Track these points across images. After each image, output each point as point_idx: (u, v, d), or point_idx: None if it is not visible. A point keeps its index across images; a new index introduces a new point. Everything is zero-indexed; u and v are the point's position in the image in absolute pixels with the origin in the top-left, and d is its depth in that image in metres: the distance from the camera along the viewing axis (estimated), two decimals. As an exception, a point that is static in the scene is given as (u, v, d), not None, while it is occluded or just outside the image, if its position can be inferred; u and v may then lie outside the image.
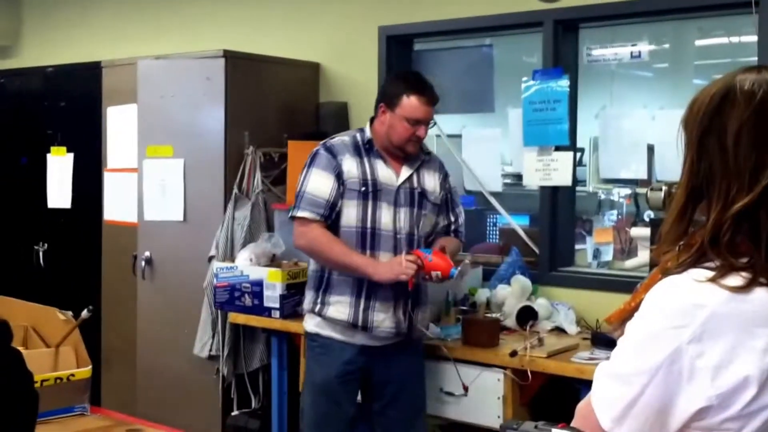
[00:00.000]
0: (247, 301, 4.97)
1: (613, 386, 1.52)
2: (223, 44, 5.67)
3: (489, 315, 4.67)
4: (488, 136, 5.63)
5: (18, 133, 7.21)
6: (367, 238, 4.05)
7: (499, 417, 4.14)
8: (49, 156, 6.81)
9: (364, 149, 4.11)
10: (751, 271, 1.48)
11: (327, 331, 4.11)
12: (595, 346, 4.21)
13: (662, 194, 4.20)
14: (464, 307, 4.79)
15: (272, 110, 5.63)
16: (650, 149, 4.91)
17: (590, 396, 1.57)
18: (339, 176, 4.03)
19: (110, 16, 7.27)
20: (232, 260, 5.14)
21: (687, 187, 1.59)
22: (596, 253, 6.27)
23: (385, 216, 4.06)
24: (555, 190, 5.01)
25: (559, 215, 5.06)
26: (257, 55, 5.68)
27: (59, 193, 6.77)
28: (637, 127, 4.99)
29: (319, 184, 4.04)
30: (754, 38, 4.40)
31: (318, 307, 4.12)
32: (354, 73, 5.78)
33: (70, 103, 6.76)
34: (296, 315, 4.74)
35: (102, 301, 6.34)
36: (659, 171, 4.89)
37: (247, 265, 5.01)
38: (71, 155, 6.70)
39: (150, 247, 5.68)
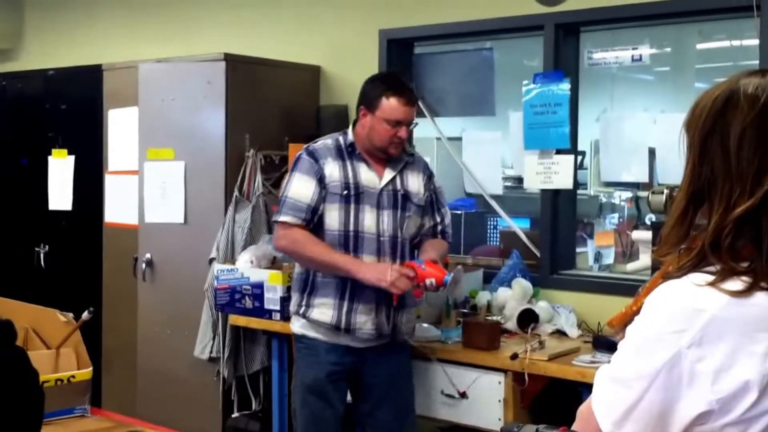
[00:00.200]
0: (248, 303, 4.97)
1: (613, 390, 1.52)
2: (224, 47, 5.67)
3: (490, 318, 4.67)
4: (489, 139, 5.63)
5: (19, 135, 7.22)
6: (350, 241, 4.05)
7: (499, 420, 4.14)
8: (50, 158, 6.82)
9: (347, 152, 4.12)
10: (751, 275, 1.47)
11: (313, 333, 4.13)
12: (596, 349, 4.21)
13: (664, 197, 4.22)
14: (465, 310, 4.79)
15: (273, 113, 5.64)
16: (651, 152, 4.91)
17: (591, 399, 1.57)
18: (321, 180, 4.04)
19: (111, 20, 7.27)
20: (233, 262, 5.14)
21: (688, 191, 1.59)
22: (597, 256, 6.28)
23: (368, 219, 4.06)
24: (556, 193, 5.01)
25: (560, 218, 5.06)
26: (258, 59, 5.68)
27: (60, 195, 6.77)
28: (639, 131, 4.99)
29: (301, 188, 4.05)
30: (756, 41, 4.40)
31: (302, 309, 4.14)
32: (354, 76, 5.76)
33: (72, 106, 6.76)
34: (297, 317, 4.74)
35: (103, 302, 6.34)
36: (660, 174, 4.89)
37: (247, 267, 5.01)
38: (72, 157, 6.70)
39: (151, 249, 5.68)
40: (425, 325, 4.60)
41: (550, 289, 4.96)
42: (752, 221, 1.49)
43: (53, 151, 6.79)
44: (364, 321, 4.06)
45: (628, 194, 7.14)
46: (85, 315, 4.54)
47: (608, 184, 6.68)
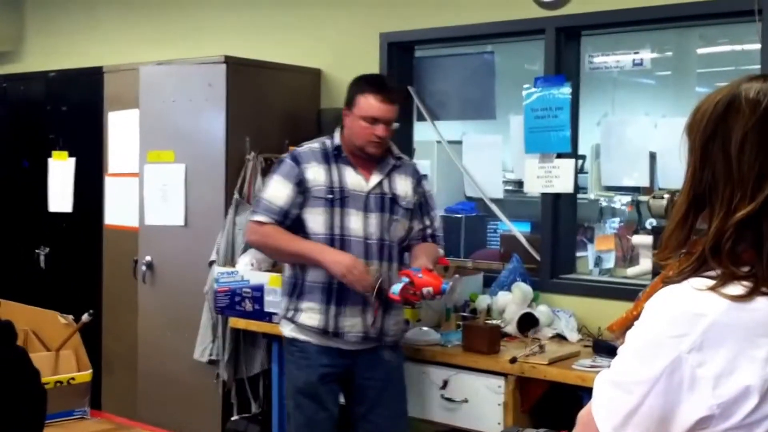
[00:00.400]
0: (248, 306, 4.96)
1: (613, 394, 1.52)
2: (225, 50, 5.68)
3: (490, 322, 4.66)
4: (489, 143, 5.63)
5: (20, 137, 7.22)
6: (336, 245, 4.04)
7: (499, 424, 4.14)
8: (50, 160, 6.82)
9: (333, 156, 4.12)
10: (752, 280, 1.47)
11: (303, 336, 4.13)
12: (596, 353, 4.20)
13: (664, 202, 4.21)
14: (465, 314, 4.79)
15: (273, 116, 5.64)
16: (652, 157, 4.91)
17: (591, 404, 1.56)
18: (300, 184, 4.05)
19: (112, 22, 7.27)
20: (233, 265, 5.14)
21: (689, 195, 1.59)
22: (598, 261, 6.28)
23: (354, 222, 4.06)
24: (556, 197, 5.01)
25: (561, 222, 5.06)
26: (259, 61, 5.68)
27: (61, 197, 6.77)
28: (639, 135, 4.98)
29: (276, 191, 4.08)
30: (757, 46, 4.40)
31: (291, 313, 4.15)
32: (355, 79, 5.78)
33: (72, 108, 6.77)
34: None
35: (103, 305, 6.34)
36: (661, 179, 4.89)
37: (248, 270, 5.01)
38: (73, 160, 6.70)
39: (151, 251, 5.68)
40: (425, 328, 4.60)
41: (550, 293, 4.96)
42: (753, 226, 1.49)
43: (54, 153, 6.80)
44: (352, 324, 4.06)
45: (629, 198, 7.14)
46: (85, 317, 4.55)
47: (609, 188, 6.68)
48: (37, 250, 6.93)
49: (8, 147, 7.27)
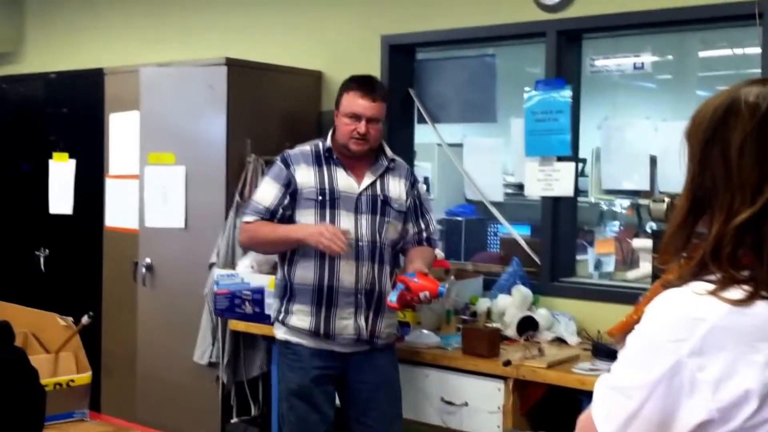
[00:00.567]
0: (248, 308, 4.96)
1: (613, 399, 1.52)
2: (226, 52, 5.67)
3: (489, 325, 4.66)
4: (490, 146, 5.63)
5: (20, 138, 7.22)
6: None
7: (498, 427, 4.14)
8: (51, 162, 6.81)
9: (324, 158, 4.14)
10: (752, 284, 1.47)
11: (295, 339, 4.14)
12: (596, 357, 4.20)
13: (664, 205, 4.22)
14: (465, 317, 4.79)
15: (274, 118, 5.64)
16: (653, 160, 4.91)
17: (591, 408, 1.56)
18: (289, 185, 4.09)
19: (113, 23, 7.28)
20: (233, 268, 5.14)
21: (689, 199, 1.59)
22: (597, 264, 6.27)
23: (345, 224, 4.06)
24: (557, 200, 5.01)
25: (561, 225, 5.06)
26: (259, 63, 5.68)
27: (61, 198, 6.77)
28: (640, 138, 4.99)
29: (264, 192, 4.14)
30: (758, 50, 4.40)
31: (282, 315, 4.17)
32: (356, 81, 5.78)
33: (73, 110, 6.76)
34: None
35: (102, 307, 6.34)
36: (661, 182, 4.89)
37: (248, 272, 5.01)
38: (73, 161, 6.70)
39: (151, 253, 5.68)
40: (425, 331, 4.60)
41: (550, 296, 4.96)
42: (753, 230, 1.49)
43: (54, 154, 6.79)
44: (344, 326, 4.06)
45: (629, 202, 7.14)
46: (85, 319, 4.53)
47: (609, 192, 6.67)
48: (37, 252, 6.93)
49: (8, 149, 7.27)
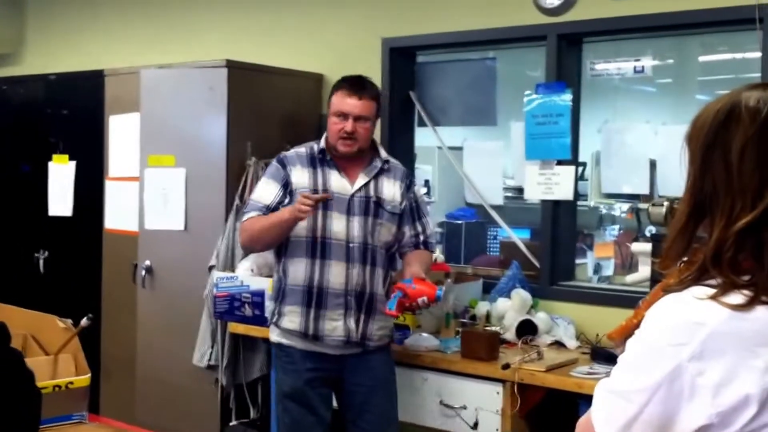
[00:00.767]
0: (248, 311, 4.96)
1: (613, 403, 1.52)
2: (226, 54, 5.67)
3: (489, 328, 4.66)
4: (490, 149, 5.63)
5: (20, 140, 7.21)
6: (317, 247, 4.06)
7: (497, 430, 4.14)
8: (50, 164, 6.81)
9: (318, 159, 4.16)
10: (752, 289, 1.47)
11: (288, 341, 4.15)
12: (594, 360, 4.21)
13: (664, 209, 4.21)
14: (464, 320, 4.79)
15: (275, 121, 5.63)
16: (652, 164, 4.91)
17: (590, 412, 1.56)
18: (286, 186, 4.10)
19: (113, 25, 7.28)
20: (233, 270, 5.14)
21: (690, 203, 1.59)
22: (597, 268, 6.28)
23: (337, 225, 4.07)
24: (556, 204, 5.01)
25: (560, 229, 5.06)
26: (260, 66, 5.68)
27: (60, 200, 6.76)
28: (640, 142, 4.99)
29: (263, 192, 4.16)
30: (758, 54, 4.40)
31: (275, 317, 4.18)
32: (357, 84, 5.77)
33: (73, 111, 6.76)
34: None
35: (102, 309, 6.34)
36: (661, 186, 4.89)
37: (247, 275, 5.00)
38: (73, 163, 6.70)
39: (150, 256, 5.68)
40: (425, 334, 4.60)
41: (549, 300, 4.96)
42: (753, 235, 1.49)
43: (54, 156, 6.79)
44: (332, 328, 4.06)
45: (628, 206, 7.14)
46: (84, 321, 4.53)
47: (608, 196, 6.68)
48: (36, 254, 6.92)
49: (8, 150, 7.26)
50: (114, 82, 6.36)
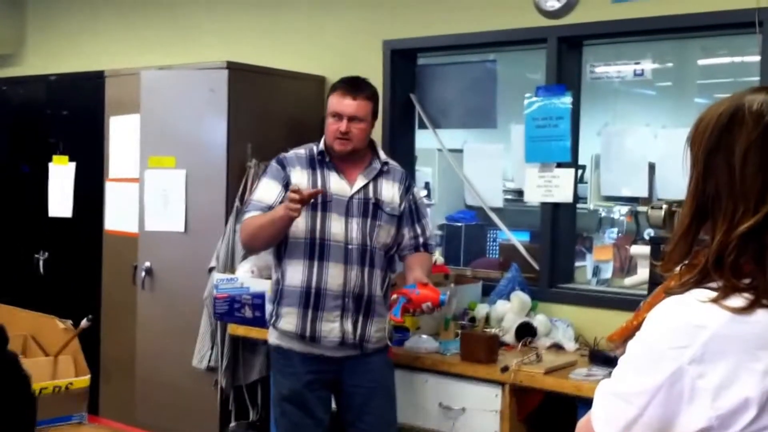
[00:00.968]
0: (248, 312, 4.96)
1: (613, 405, 1.52)
2: (227, 56, 5.67)
3: (488, 330, 4.66)
4: (490, 152, 5.63)
5: (20, 141, 7.22)
6: (316, 249, 4.06)
7: (496, 433, 4.14)
8: (50, 165, 6.81)
9: (317, 161, 4.16)
10: (753, 292, 1.48)
11: (286, 343, 4.14)
12: (593, 363, 4.21)
13: (663, 212, 4.21)
14: (463, 322, 4.79)
15: (276, 123, 5.63)
16: (651, 167, 4.92)
17: (590, 414, 1.57)
18: (287, 186, 4.08)
19: (114, 26, 7.28)
20: (233, 272, 5.14)
21: (692, 207, 1.59)
22: (596, 271, 6.28)
23: (335, 226, 4.06)
24: (556, 206, 5.02)
25: (560, 232, 5.06)
26: (261, 68, 5.68)
27: (60, 201, 6.76)
28: (639, 145, 4.99)
29: (264, 191, 4.15)
30: (757, 58, 4.40)
31: (273, 319, 4.17)
32: (358, 86, 5.78)
33: (73, 112, 6.76)
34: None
35: (102, 310, 6.34)
36: (660, 189, 4.89)
37: (248, 277, 5.00)
38: (73, 164, 6.70)
39: (150, 257, 5.68)
40: (424, 336, 4.60)
41: (548, 302, 4.96)
42: (755, 239, 1.49)
43: (54, 157, 6.79)
44: (329, 329, 4.05)
45: (628, 209, 7.15)
46: (84, 322, 4.54)
47: (608, 199, 6.68)
48: (36, 255, 6.92)
49: (8, 151, 7.27)
50: (114, 83, 6.36)
